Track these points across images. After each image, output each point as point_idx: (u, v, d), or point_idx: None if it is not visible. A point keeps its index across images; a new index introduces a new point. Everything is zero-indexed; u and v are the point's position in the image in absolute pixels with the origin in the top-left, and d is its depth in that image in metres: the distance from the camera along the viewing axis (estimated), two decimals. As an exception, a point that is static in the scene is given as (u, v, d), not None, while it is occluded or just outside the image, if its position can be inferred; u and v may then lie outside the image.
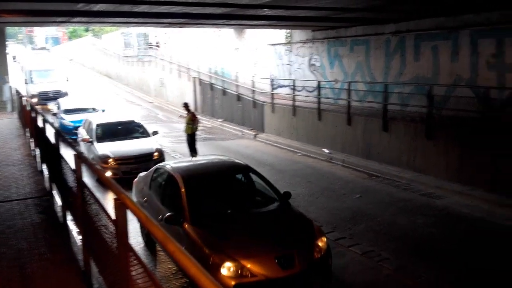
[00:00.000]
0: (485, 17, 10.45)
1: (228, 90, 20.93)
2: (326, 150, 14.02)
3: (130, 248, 2.83)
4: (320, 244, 5.65)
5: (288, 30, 17.75)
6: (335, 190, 10.44)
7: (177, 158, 13.02)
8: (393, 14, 11.87)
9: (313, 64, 16.68)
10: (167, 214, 5.74)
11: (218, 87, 21.93)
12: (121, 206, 2.86)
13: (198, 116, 14.84)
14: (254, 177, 7.05)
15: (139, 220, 2.52)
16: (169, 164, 7.46)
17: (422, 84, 11.90)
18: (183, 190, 6.13)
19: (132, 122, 13.27)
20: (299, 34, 17.32)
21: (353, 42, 14.74)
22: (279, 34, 18.32)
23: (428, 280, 6.19)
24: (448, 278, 6.26)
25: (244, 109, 19.52)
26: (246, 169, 7.16)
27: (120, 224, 2.93)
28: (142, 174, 8.05)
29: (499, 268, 6.49)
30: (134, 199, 7.49)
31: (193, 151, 13.14)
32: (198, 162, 7.92)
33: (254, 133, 17.97)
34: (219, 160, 7.99)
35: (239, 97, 19.83)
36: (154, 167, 7.64)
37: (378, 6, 10.47)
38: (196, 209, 5.93)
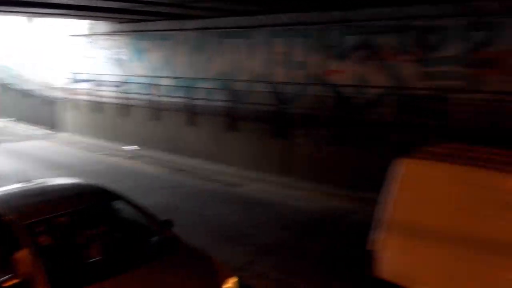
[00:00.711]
0: (277, 18, 11.41)
1: (19, 87, 18.48)
2: (133, 147, 13.50)
3: None
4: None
5: (93, 21, 16.50)
6: (142, 187, 10.07)
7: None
8: (196, 11, 12.04)
9: (119, 58, 15.87)
10: (4, 278, 3.92)
11: (4, 82, 19.17)
12: None
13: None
14: (121, 203, 5.41)
15: None
16: None
17: (225, 80, 12.41)
18: (27, 239, 4.26)
19: None
20: (104, 26, 16.25)
21: (160, 36, 14.51)
22: (82, 25, 16.88)
23: (235, 262, 6.36)
24: (251, 258, 6.61)
25: (39, 107, 17.50)
26: (107, 195, 5.43)
27: None
28: None
29: (293, 241, 7.24)
30: None
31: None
32: (35, 192, 5.35)
33: (51, 132, 16.25)
34: (66, 185, 5.78)
35: (32, 94, 17.67)
36: None
37: (179, 2, 10.46)
38: (51, 266, 4.13)
